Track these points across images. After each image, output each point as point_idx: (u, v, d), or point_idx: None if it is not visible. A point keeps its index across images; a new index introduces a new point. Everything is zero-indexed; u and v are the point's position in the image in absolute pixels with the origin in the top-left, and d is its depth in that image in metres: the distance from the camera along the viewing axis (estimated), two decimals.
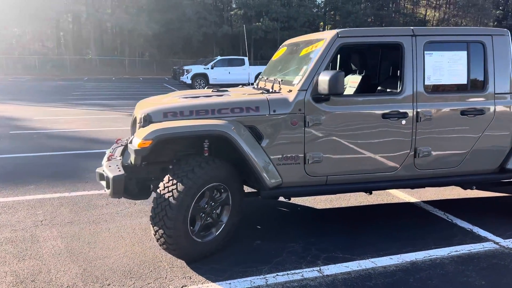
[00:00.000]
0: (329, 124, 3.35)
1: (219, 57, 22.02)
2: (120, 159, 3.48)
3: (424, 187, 4.27)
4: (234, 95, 3.63)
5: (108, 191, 3.18)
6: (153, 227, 3.09)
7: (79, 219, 3.98)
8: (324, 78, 3.18)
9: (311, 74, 3.35)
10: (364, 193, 4.26)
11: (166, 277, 2.96)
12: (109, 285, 2.85)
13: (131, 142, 3.18)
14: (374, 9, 47.78)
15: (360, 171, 3.51)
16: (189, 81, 20.04)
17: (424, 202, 4.55)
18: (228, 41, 43.99)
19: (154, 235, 3.12)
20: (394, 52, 3.85)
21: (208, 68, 20.62)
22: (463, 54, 3.65)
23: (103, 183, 3.24)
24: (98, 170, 3.33)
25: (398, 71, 3.60)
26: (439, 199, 4.68)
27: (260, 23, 40.74)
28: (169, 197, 2.98)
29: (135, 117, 3.53)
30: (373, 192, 4.14)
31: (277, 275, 2.98)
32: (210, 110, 3.27)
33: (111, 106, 13.38)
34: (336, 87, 3.13)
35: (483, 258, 3.26)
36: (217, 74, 20.37)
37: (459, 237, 3.66)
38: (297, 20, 42.56)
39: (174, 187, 3.00)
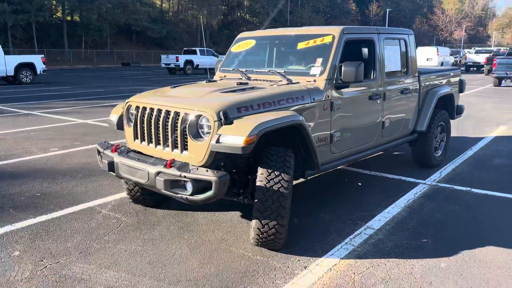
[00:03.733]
0: (343, 108, 4.06)
1: None
2: (181, 163, 3.24)
3: (383, 151, 5.45)
4: (269, 87, 3.81)
5: (201, 197, 3.03)
6: (261, 222, 3.12)
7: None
8: (350, 68, 3.82)
9: (332, 65, 3.92)
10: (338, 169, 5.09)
11: (276, 268, 3.19)
12: None
13: (218, 141, 3.06)
14: None
15: (358, 144, 4.42)
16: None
17: (364, 169, 5.73)
18: None
19: (261, 229, 3.16)
20: (366, 47, 4.75)
21: None
22: (397, 48, 4.91)
23: (183, 189, 3.18)
24: (166, 177, 3.20)
25: (371, 62, 4.54)
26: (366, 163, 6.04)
27: None
28: (279, 188, 3.10)
29: (150, 110, 3.58)
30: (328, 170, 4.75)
31: (350, 239, 3.55)
32: (272, 102, 3.46)
33: None
34: (360, 76, 3.83)
35: (428, 195, 4.67)
36: None
37: (404, 187, 5.02)
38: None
39: (280, 177, 3.12)
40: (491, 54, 30.44)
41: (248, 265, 3.21)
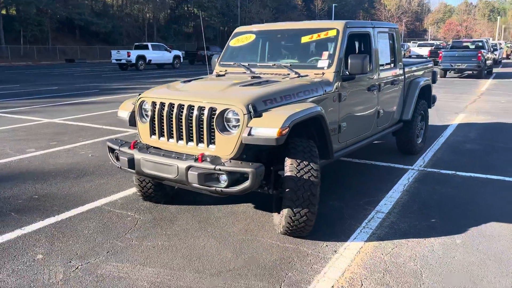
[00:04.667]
0: (349, 99, 4.26)
1: None
2: (212, 157, 3.28)
3: (376, 141, 5.70)
4: (283, 81, 3.92)
5: (237, 188, 3.11)
6: (293, 210, 3.24)
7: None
8: (357, 61, 4.01)
9: (339, 58, 4.09)
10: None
11: (309, 254, 3.33)
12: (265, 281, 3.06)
13: (251, 134, 3.14)
14: None
15: (359, 133, 4.66)
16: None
17: (353, 158, 5.98)
18: None
19: (292, 218, 3.27)
20: (363, 40, 4.95)
21: None
22: (387, 41, 5.18)
23: (216, 182, 3.23)
24: (200, 171, 3.21)
25: (368, 55, 4.77)
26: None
27: None
28: (309, 177, 3.23)
29: (168, 106, 3.59)
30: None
31: (366, 223, 3.78)
32: (292, 94, 3.59)
33: None
34: (366, 68, 4.04)
35: (421, 180, 5.02)
36: None
37: (395, 173, 5.31)
38: None
39: (310, 167, 3.26)
40: (433, 48, 32.28)
41: (281, 252, 3.31)
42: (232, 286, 2.87)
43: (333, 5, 59.60)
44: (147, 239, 3.57)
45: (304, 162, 3.30)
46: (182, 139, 3.57)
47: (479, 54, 18.91)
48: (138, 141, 3.82)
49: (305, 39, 4.47)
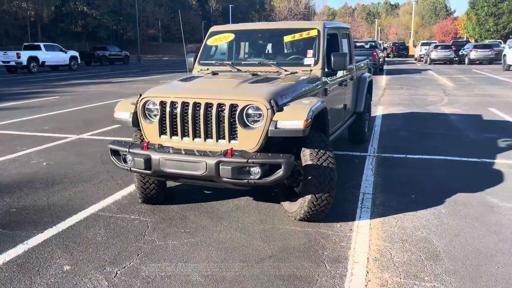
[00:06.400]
0: (330, 93, 4.67)
1: None
2: (240, 151, 3.43)
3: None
4: (286, 78, 4.17)
5: (270, 179, 3.31)
6: (316, 196, 3.54)
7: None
8: (340, 58, 4.44)
9: (323, 55, 4.48)
10: None
11: (331, 234, 3.63)
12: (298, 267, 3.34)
13: (277, 127, 3.36)
14: None
15: (335, 125, 5.11)
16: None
17: None
18: None
19: (314, 203, 3.57)
20: (333, 40, 5.36)
21: None
22: (346, 40, 5.72)
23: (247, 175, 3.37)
24: (233, 165, 3.32)
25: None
26: None
27: None
28: (328, 164, 3.55)
29: (181, 104, 3.62)
30: None
31: (361, 203, 4.27)
32: (297, 89, 3.89)
33: None
34: (346, 64, 4.50)
35: (382, 164, 5.63)
36: None
37: (357, 160, 5.88)
38: None
39: (327, 155, 3.59)
40: None
41: (305, 236, 3.57)
42: (283, 268, 3.06)
43: (230, 5, 60.67)
44: (169, 238, 3.56)
45: (321, 151, 3.59)
46: (198, 136, 3.62)
47: (375, 53, 20.99)
48: (149, 142, 3.76)
49: (287, 38, 4.76)
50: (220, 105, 3.51)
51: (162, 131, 3.76)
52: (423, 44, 41.15)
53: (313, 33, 4.69)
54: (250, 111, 3.48)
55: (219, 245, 3.44)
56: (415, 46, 51.01)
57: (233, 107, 3.49)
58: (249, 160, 3.29)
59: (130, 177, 5.11)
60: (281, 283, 2.87)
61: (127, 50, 43.46)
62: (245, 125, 3.49)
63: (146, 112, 3.83)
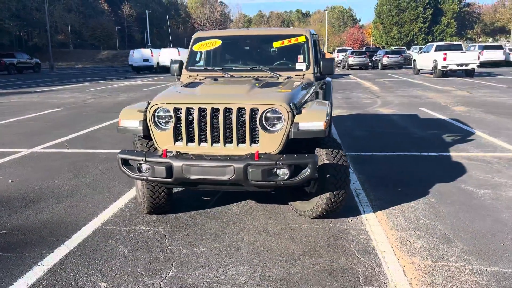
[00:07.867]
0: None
1: None
2: (266, 153, 3.52)
3: None
4: (288, 82, 4.33)
5: (298, 179, 3.44)
6: (333, 193, 3.74)
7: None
8: (328, 63, 4.73)
9: (313, 61, 4.73)
10: None
11: (349, 228, 3.84)
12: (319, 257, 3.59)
13: (298, 129, 3.52)
14: None
15: None
16: None
17: None
18: None
19: (332, 200, 3.77)
20: (314, 46, 5.58)
21: None
22: (317, 46, 6.02)
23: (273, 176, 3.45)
24: (263, 168, 3.39)
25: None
26: None
27: None
28: (343, 162, 3.77)
29: (194, 109, 3.62)
30: None
31: (358, 199, 4.56)
32: (305, 94, 4.09)
33: None
34: (334, 69, 4.79)
35: (354, 162, 6.01)
36: None
37: None
38: None
39: (341, 154, 3.81)
40: None
41: (325, 232, 3.73)
42: (322, 263, 3.19)
43: (147, 11, 59.25)
44: (194, 245, 3.51)
45: (335, 150, 3.79)
46: (217, 141, 3.62)
47: None
48: (168, 149, 3.66)
49: (276, 44, 4.90)
50: (239, 110, 3.56)
51: (176, 138, 3.69)
52: (339, 51, 43.81)
53: (301, 39, 4.90)
54: (269, 115, 3.57)
55: (248, 247, 3.47)
56: (331, 53, 54.03)
57: (253, 111, 3.55)
58: (277, 162, 3.37)
59: (117, 189, 4.90)
60: (328, 277, 3.01)
61: (35, 58, 40.38)
62: (265, 129, 3.57)
63: (157, 119, 3.74)
